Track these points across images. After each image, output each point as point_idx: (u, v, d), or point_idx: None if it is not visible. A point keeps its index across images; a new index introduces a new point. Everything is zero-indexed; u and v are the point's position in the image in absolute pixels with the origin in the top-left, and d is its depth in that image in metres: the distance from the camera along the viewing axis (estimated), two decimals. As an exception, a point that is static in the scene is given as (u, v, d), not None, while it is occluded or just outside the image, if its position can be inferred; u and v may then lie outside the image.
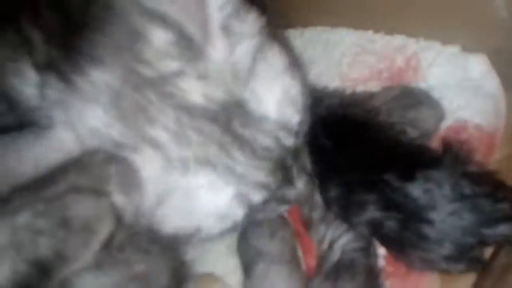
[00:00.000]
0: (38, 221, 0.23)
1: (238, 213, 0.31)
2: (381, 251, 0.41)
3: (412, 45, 0.47)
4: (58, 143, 0.26)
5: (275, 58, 0.31)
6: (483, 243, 0.34)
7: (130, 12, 0.26)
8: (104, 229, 0.25)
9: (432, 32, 0.46)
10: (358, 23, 0.52)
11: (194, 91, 0.27)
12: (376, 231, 0.36)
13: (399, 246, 0.35)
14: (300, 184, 0.34)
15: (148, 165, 0.27)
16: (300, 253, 0.42)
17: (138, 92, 0.27)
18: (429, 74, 0.45)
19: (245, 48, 0.29)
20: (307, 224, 0.42)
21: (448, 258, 0.34)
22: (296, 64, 0.33)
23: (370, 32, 0.51)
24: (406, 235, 0.34)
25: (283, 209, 0.40)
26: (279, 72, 0.31)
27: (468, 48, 0.44)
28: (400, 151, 0.37)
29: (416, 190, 0.34)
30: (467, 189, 0.34)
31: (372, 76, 0.50)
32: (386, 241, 0.37)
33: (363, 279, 0.36)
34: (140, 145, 0.27)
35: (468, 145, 0.39)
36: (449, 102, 0.45)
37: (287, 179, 0.33)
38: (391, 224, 0.34)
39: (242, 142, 0.29)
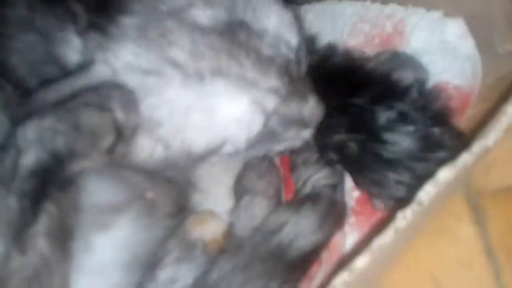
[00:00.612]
0: (58, 124, 0.31)
1: (257, 120, 0.36)
2: (355, 193, 0.46)
3: (400, 11, 0.51)
4: (97, 76, 0.35)
5: None
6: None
7: None
8: (107, 137, 0.33)
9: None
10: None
11: (203, 15, 0.35)
12: (341, 154, 0.41)
13: (358, 168, 0.41)
14: (312, 101, 0.38)
15: (170, 85, 0.34)
16: (283, 192, 0.49)
17: (159, 23, 0.35)
18: (412, 37, 0.49)
19: None
20: (292, 168, 0.49)
21: (400, 184, 0.38)
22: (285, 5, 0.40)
23: (368, 2, 0.56)
24: (364, 156, 0.39)
25: (305, 135, 0.42)
26: (272, 3, 0.38)
27: (450, 14, 0.48)
28: (376, 81, 0.42)
29: (379, 113, 0.39)
30: (424, 118, 0.38)
31: (367, 43, 0.54)
32: (348, 164, 0.42)
33: (325, 208, 0.42)
34: (163, 67, 0.34)
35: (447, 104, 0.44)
36: (434, 66, 0.48)
37: (297, 91, 0.37)
38: (352, 145, 0.40)
39: (247, 50, 0.35)
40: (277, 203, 0.47)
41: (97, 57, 0.35)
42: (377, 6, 0.54)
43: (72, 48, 0.37)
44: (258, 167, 0.50)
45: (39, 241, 0.31)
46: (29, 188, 0.30)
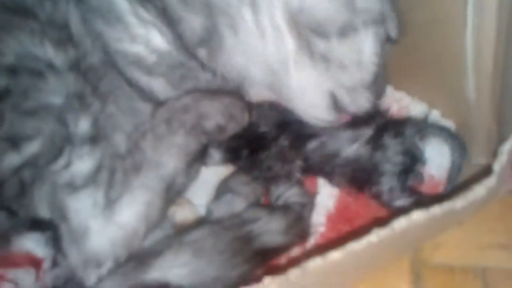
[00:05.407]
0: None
1: None
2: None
3: (407, 99, 0.60)
4: None
5: None
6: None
7: None
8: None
9: (425, 96, 0.59)
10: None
11: None
12: None
13: None
14: None
15: None
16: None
17: None
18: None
19: None
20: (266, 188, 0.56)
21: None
22: None
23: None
24: None
25: None
26: None
27: (446, 116, 0.57)
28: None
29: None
30: None
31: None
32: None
33: (292, 219, 0.48)
34: None
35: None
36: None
37: None
38: None
39: None
40: (254, 208, 0.52)
41: None
42: (389, 88, 0.63)
43: None
44: (247, 175, 0.55)
45: None
46: None
